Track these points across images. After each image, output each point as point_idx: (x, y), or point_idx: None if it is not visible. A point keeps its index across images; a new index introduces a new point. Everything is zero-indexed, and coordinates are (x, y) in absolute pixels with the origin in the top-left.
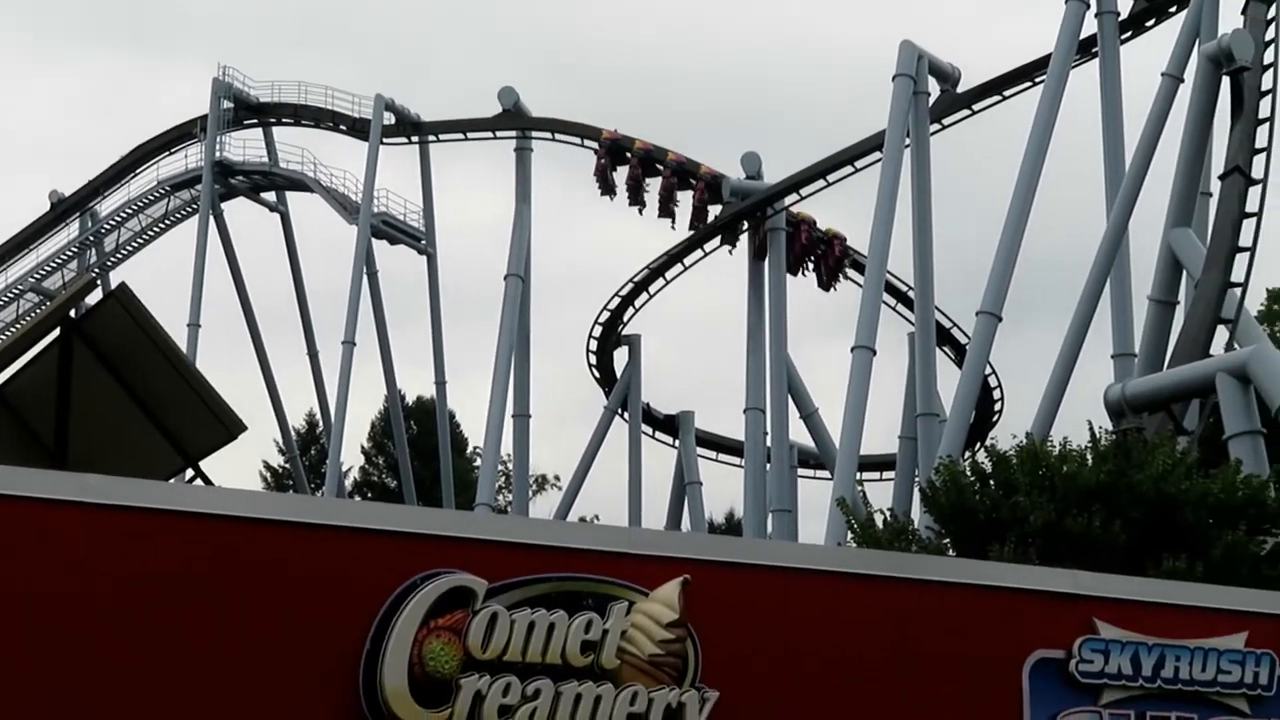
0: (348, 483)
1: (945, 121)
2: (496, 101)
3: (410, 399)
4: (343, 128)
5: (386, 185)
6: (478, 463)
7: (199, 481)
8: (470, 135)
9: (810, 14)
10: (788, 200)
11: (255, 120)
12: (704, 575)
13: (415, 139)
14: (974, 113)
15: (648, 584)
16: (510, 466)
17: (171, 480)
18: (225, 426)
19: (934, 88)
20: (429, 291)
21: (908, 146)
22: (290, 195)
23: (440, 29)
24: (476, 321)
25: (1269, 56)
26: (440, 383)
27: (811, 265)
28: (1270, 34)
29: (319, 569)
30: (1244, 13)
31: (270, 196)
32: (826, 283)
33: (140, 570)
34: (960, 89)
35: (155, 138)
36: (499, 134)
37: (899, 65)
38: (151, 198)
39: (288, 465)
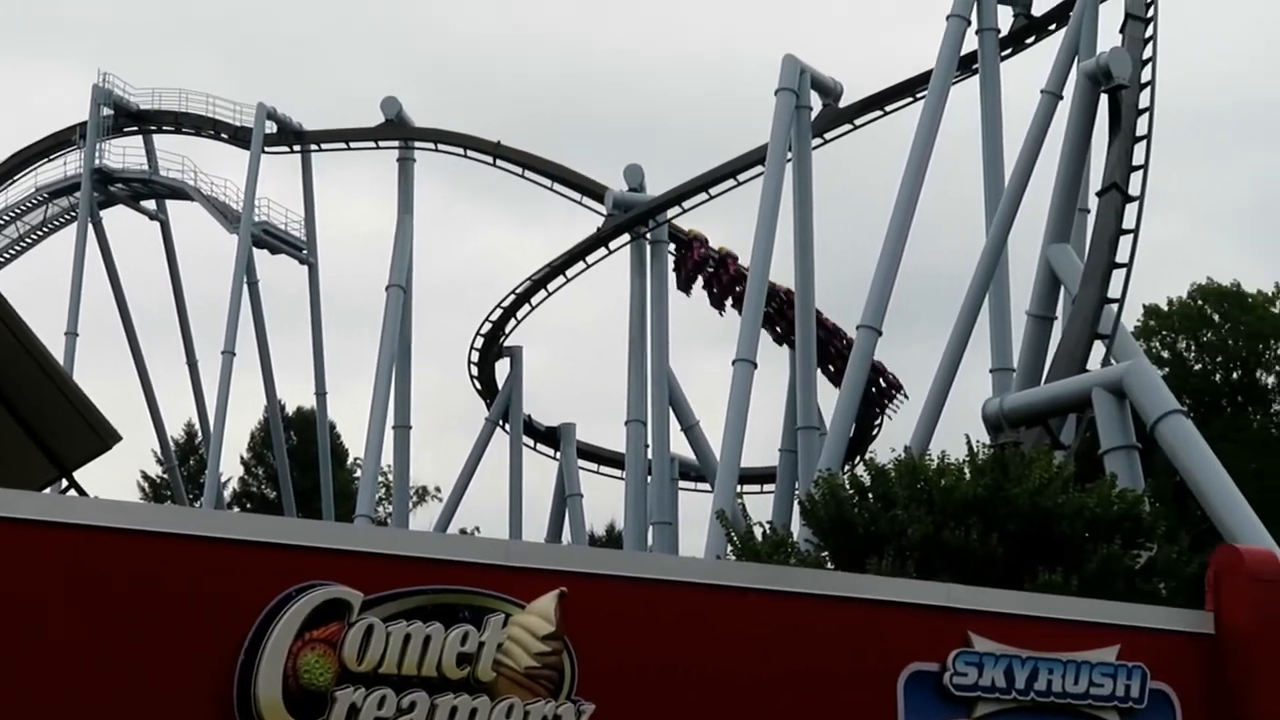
0: (227, 494)
1: (827, 136)
2: (379, 111)
3: (290, 409)
4: (224, 136)
5: (268, 194)
6: (358, 474)
7: (73, 492)
8: (353, 145)
9: (697, 26)
10: (670, 213)
11: (135, 128)
12: (580, 588)
13: (297, 148)
14: (856, 127)
15: (524, 596)
16: (391, 478)
17: (45, 491)
18: (100, 436)
19: (816, 102)
20: (310, 301)
21: (790, 160)
22: (170, 203)
23: (323, 38)
24: (357, 332)
25: (1146, 74)
26: (321, 393)
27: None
28: (1148, 52)
29: (194, 581)
30: (1122, 31)
31: (150, 204)
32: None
33: (11, 583)
34: (842, 104)
35: (33, 144)
36: (382, 144)
37: (781, 79)
38: (29, 205)
39: (166, 476)
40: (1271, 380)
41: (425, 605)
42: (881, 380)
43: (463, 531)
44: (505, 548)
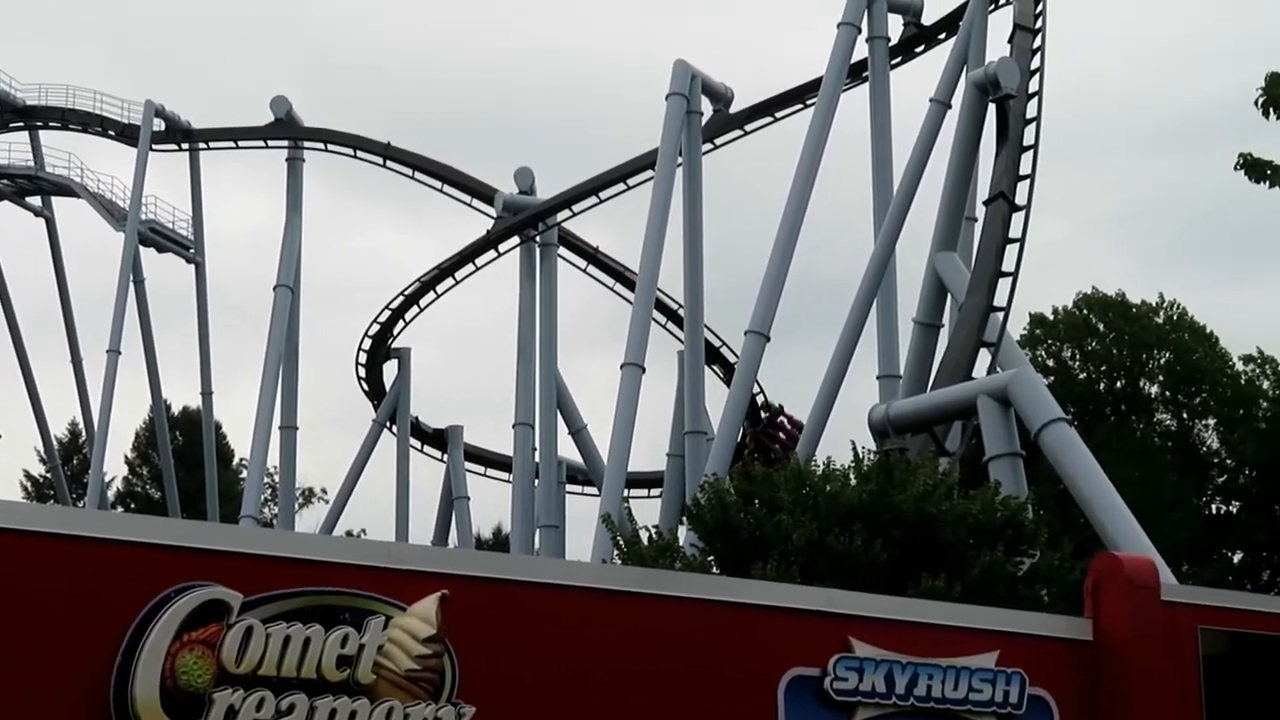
0: (111, 493)
1: (718, 141)
2: (269, 110)
3: (176, 409)
4: (111, 133)
5: (155, 192)
6: (244, 474)
7: None
8: (241, 144)
9: (590, 30)
10: (560, 216)
11: (21, 123)
12: (462, 591)
13: (185, 146)
14: (746, 133)
15: (406, 599)
16: (277, 478)
17: None
18: None
19: (707, 107)
20: (196, 300)
21: (680, 165)
22: (56, 200)
23: (213, 36)
24: (244, 331)
25: (1034, 85)
26: (207, 393)
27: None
28: (1035, 63)
29: (72, 581)
30: (1010, 41)
31: (35, 201)
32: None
33: None
34: (733, 109)
35: None
36: (271, 143)
37: (672, 84)
38: None
39: (49, 475)
40: (1154, 389)
41: (306, 607)
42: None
43: (349, 533)
44: (387, 549)
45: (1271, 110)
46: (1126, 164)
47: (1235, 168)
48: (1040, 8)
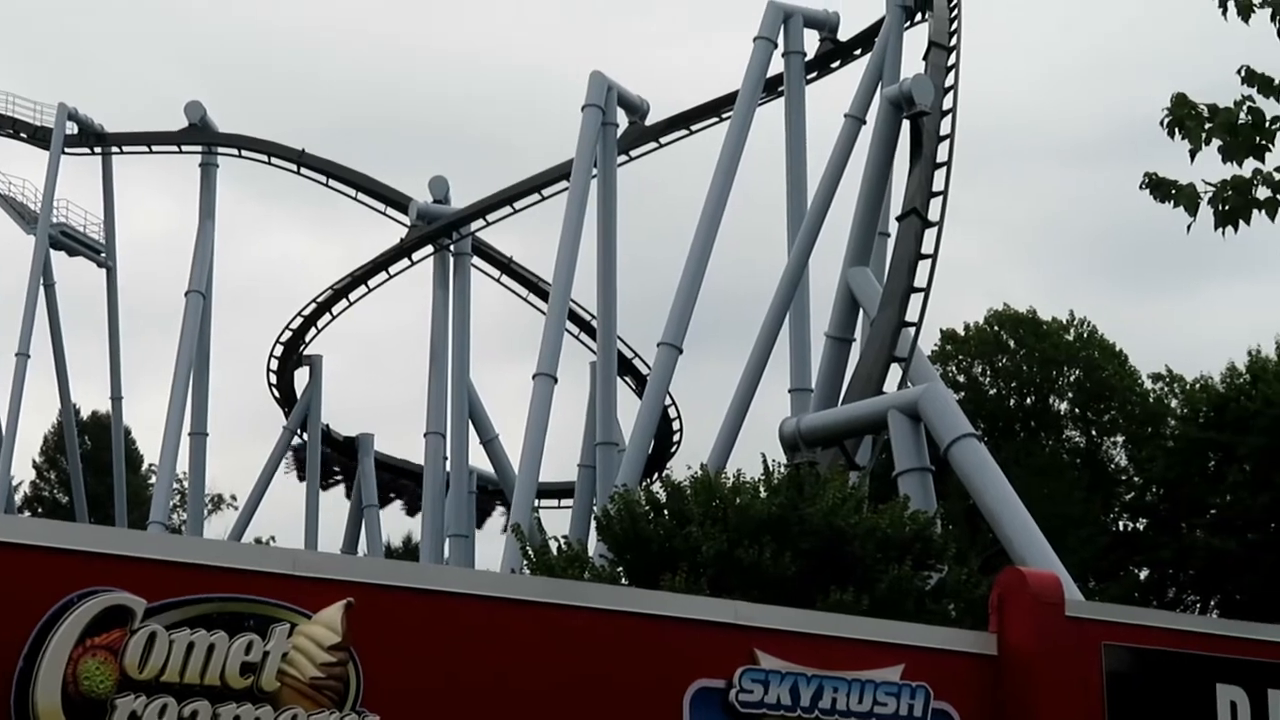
0: (18, 498)
1: (633, 153)
2: (183, 115)
3: (85, 413)
4: (23, 135)
5: (67, 196)
6: (153, 480)
7: None
8: (155, 148)
9: (508, 40)
10: (474, 226)
11: None
12: (368, 599)
13: (98, 150)
14: (661, 145)
15: (311, 606)
16: (186, 485)
17: None
18: None
19: (623, 119)
20: (107, 305)
21: (595, 177)
22: None
23: (128, 40)
24: (155, 337)
25: (948, 102)
26: (116, 398)
27: None
28: (950, 80)
29: None
30: (925, 58)
31: None
32: None
33: None
34: (648, 121)
35: None
36: (184, 148)
37: (588, 95)
38: None
39: None
40: (1064, 406)
41: (210, 613)
42: None
43: (258, 540)
44: (292, 557)
45: (1176, 130)
46: (1038, 179)
47: (1140, 187)
48: (955, 25)
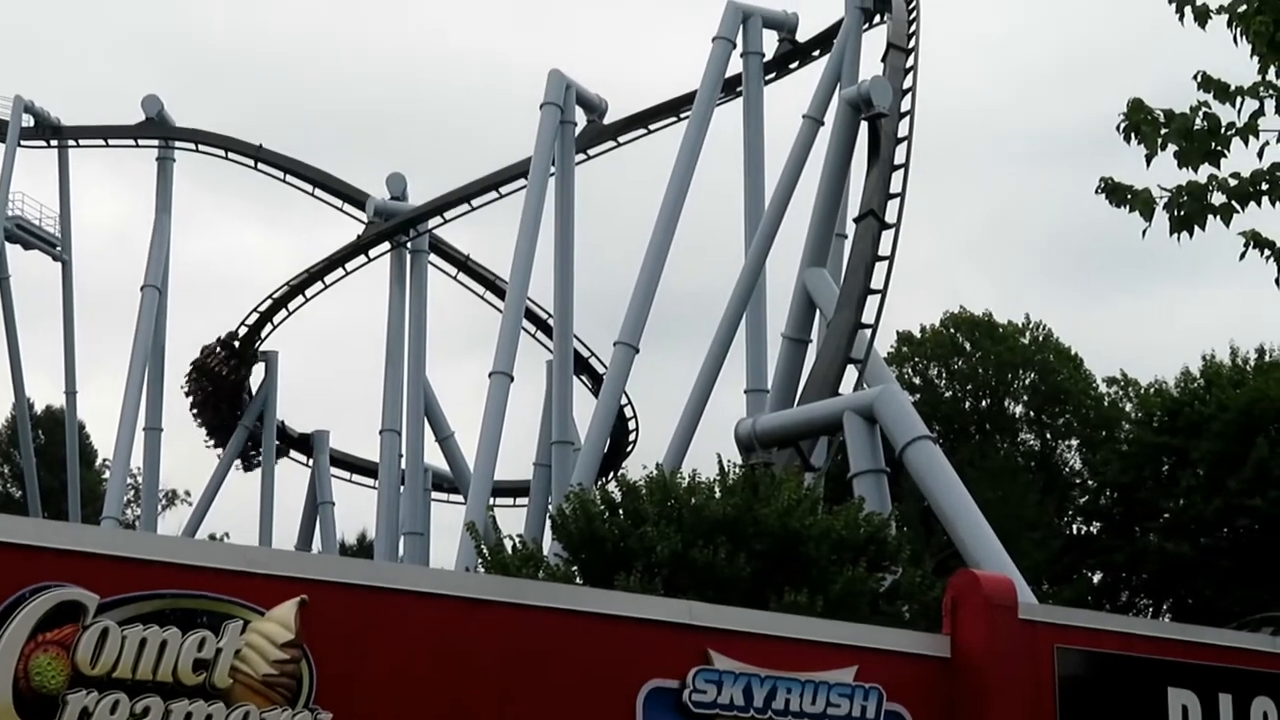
0: None
1: (591, 152)
2: (140, 109)
3: (39, 407)
4: None
5: (22, 189)
6: (107, 475)
7: None
8: (111, 142)
9: (467, 37)
10: (432, 223)
11: None
12: (322, 596)
13: (54, 143)
14: (620, 144)
15: (264, 603)
16: (140, 480)
17: None
18: None
19: (581, 117)
20: (63, 299)
21: (553, 175)
22: None
23: (85, 33)
24: (110, 331)
25: (906, 104)
26: (70, 392)
27: None
28: (908, 82)
29: None
30: (884, 60)
31: None
32: None
33: None
34: (607, 120)
35: None
36: (141, 142)
37: (547, 94)
38: None
39: None
40: (1019, 409)
41: (163, 610)
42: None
43: (212, 536)
44: (245, 554)
45: (1132, 136)
46: (994, 180)
47: (1096, 191)
48: (913, 28)
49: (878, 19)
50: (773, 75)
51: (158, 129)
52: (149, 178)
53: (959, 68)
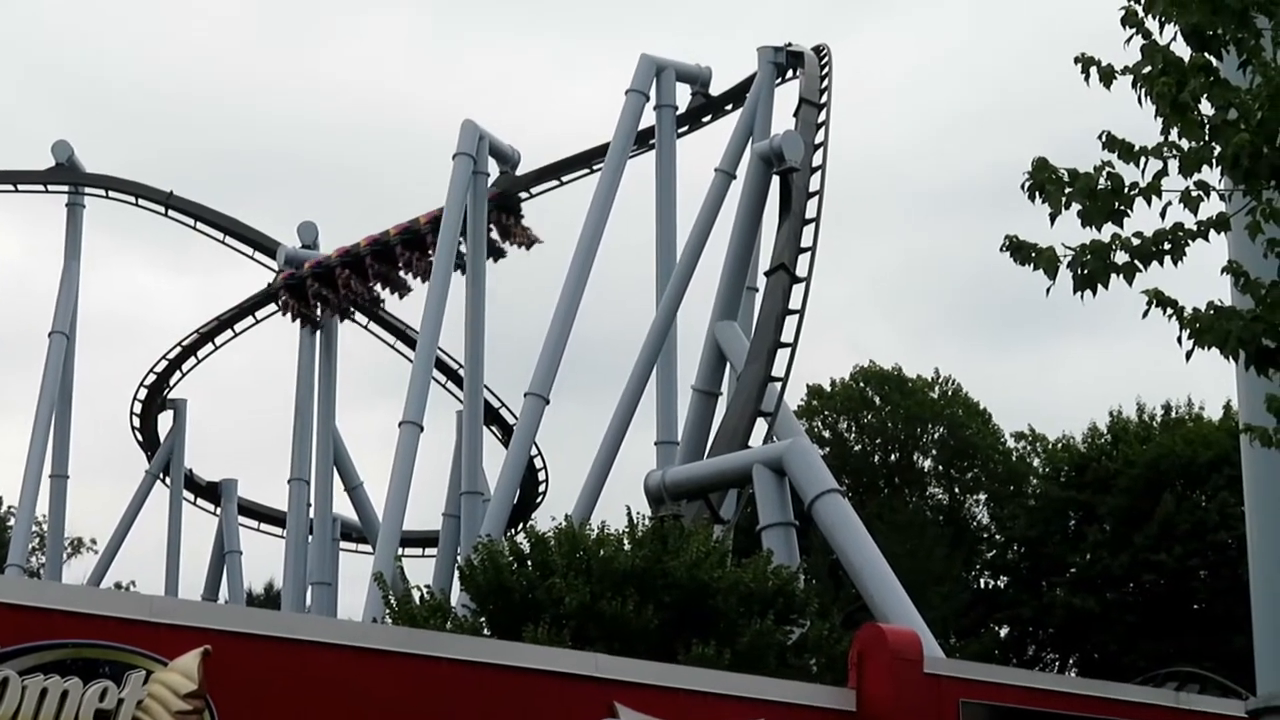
0: None
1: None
2: (50, 154)
3: None
4: None
5: None
6: (11, 522)
7: None
8: (21, 187)
9: (382, 86)
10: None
11: None
12: (225, 646)
13: None
14: (532, 195)
15: (168, 653)
16: (45, 528)
17: None
18: None
19: (494, 168)
20: None
21: (465, 226)
22: None
23: None
24: (15, 376)
25: (817, 159)
26: None
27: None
28: (819, 137)
29: None
30: (796, 115)
31: None
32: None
33: None
34: (520, 171)
35: None
36: (51, 188)
37: (460, 144)
38: None
39: None
40: (928, 463)
41: (65, 659)
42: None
43: (118, 585)
44: (149, 603)
45: (1037, 194)
46: (902, 231)
47: (1001, 249)
48: (826, 83)
49: (790, 74)
50: (685, 128)
51: (68, 174)
52: (56, 221)
53: (867, 117)
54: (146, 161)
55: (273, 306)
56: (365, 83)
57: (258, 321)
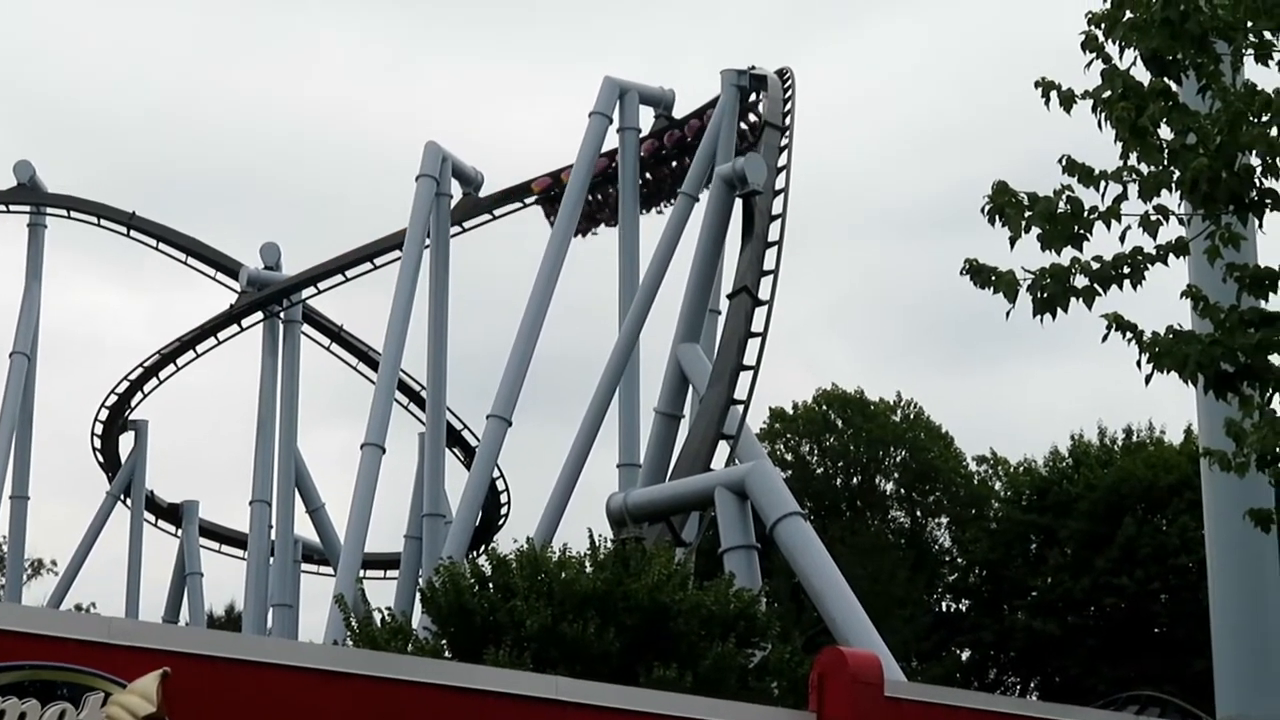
0: None
1: (466, 224)
2: (12, 174)
3: None
4: None
5: None
6: None
7: None
8: None
9: (346, 107)
10: (305, 293)
11: None
12: (185, 668)
13: None
14: (495, 217)
15: (126, 675)
16: (5, 548)
17: None
18: None
19: (457, 190)
20: None
21: (428, 247)
22: None
23: None
24: None
25: (780, 182)
26: None
27: None
28: (783, 160)
29: None
30: (759, 137)
31: None
32: None
33: None
34: (483, 193)
35: None
36: (12, 208)
37: (423, 165)
38: None
39: None
40: (890, 487)
41: (22, 681)
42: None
43: (78, 607)
44: (108, 624)
45: (997, 218)
46: (863, 253)
47: (961, 273)
48: (789, 106)
49: (753, 97)
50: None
51: (29, 195)
52: (17, 241)
53: (824, 138)
54: (108, 182)
55: (235, 328)
56: (329, 103)
57: (220, 342)
